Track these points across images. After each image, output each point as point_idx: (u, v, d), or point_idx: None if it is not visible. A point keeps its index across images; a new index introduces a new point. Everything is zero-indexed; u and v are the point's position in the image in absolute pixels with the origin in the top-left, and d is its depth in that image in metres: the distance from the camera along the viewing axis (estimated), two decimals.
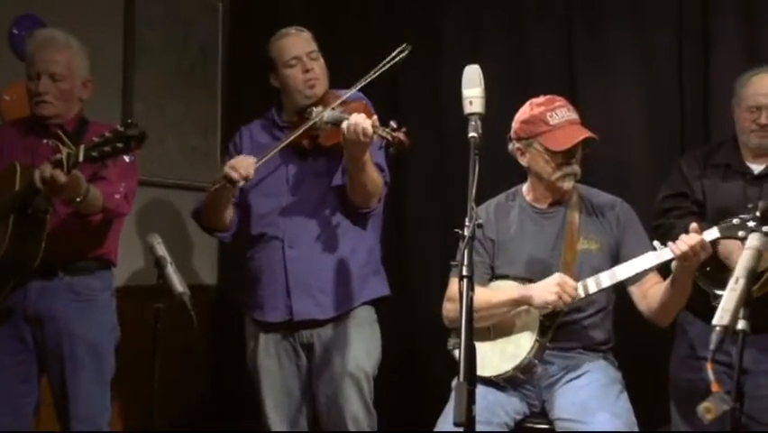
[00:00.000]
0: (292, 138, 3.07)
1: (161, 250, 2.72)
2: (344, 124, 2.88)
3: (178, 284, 2.63)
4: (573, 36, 3.96)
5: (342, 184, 3.14)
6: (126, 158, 3.00)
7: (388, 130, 2.87)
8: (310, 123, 3.06)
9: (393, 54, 3.04)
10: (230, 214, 3.20)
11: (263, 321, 3.19)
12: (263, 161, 3.04)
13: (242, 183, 2.98)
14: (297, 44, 3.19)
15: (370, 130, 2.85)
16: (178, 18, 4.57)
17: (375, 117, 2.93)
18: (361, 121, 2.85)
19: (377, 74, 3.05)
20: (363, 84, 3.07)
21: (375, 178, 3.07)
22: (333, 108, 3.07)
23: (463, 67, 2.36)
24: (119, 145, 2.59)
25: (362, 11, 4.44)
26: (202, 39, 4.71)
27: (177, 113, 4.54)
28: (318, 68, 3.18)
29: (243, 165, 2.97)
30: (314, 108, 3.13)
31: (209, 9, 4.77)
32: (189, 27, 4.64)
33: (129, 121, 2.63)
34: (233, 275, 4.34)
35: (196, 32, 4.67)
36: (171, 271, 2.66)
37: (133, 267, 4.13)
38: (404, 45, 3.04)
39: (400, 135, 2.86)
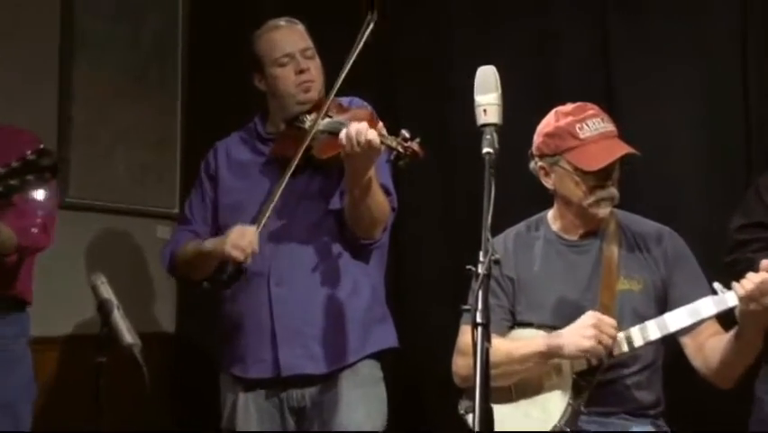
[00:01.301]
0: (293, 166, 3.07)
1: (106, 291, 2.71)
2: (343, 133, 2.89)
3: (127, 333, 2.62)
4: (609, 27, 3.98)
5: (340, 208, 3.15)
6: None
7: (398, 140, 2.87)
8: (309, 137, 3.08)
9: (362, 31, 3.11)
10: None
11: (244, 377, 3.19)
12: (263, 223, 3.04)
13: (249, 262, 2.99)
14: (290, 39, 3.23)
15: (376, 140, 2.85)
16: (128, 5, 4.61)
17: (381, 124, 2.95)
18: (363, 129, 2.86)
19: (353, 59, 3.11)
20: (344, 74, 3.12)
21: (381, 201, 3.09)
22: (330, 115, 3.11)
23: (475, 68, 2.38)
24: (29, 178, 2.58)
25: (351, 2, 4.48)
26: (158, 31, 4.75)
27: (126, 122, 4.57)
28: (314, 68, 3.22)
29: (247, 241, 2.97)
30: (307, 116, 3.17)
31: None
32: (142, 16, 4.69)
33: (41, 147, 2.60)
34: (199, 320, 4.30)
35: (150, 23, 4.72)
36: (118, 316, 2.65)
37: (73, 313, 4.16)
38: (368, 16, 3.11)
39: (414, 146, 2.87)
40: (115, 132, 4.52)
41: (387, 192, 3.16)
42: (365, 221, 3.10)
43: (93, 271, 2.78)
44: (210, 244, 3.11)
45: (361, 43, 3.12)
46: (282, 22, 3.28)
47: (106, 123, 4.47)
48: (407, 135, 2.87)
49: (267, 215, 3.04)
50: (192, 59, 4.85)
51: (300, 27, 3.28)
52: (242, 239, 2.98)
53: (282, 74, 3.20)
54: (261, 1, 4.42)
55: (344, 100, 3.23)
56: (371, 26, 3.13)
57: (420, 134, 2.87)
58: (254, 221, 3.06)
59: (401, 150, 2.86)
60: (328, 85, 3.24)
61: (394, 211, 3.23)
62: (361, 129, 2.86)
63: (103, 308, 2.66)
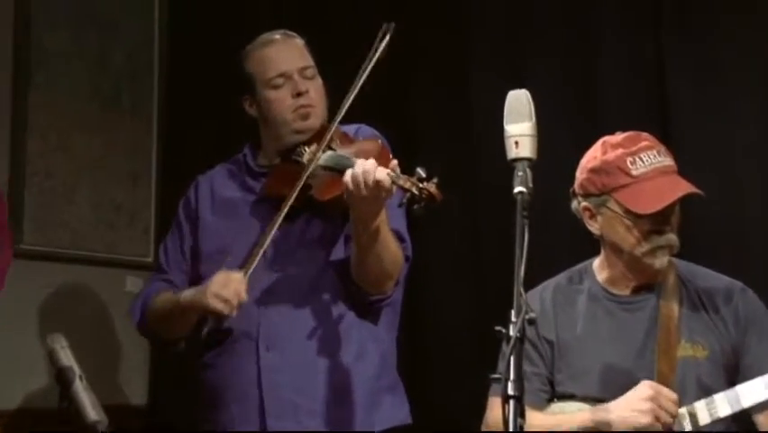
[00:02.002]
0: (287, 208, 3.07)
1: (66, 357, 2.69)
2: (348, 174, 2.88)
3: (91, 408, 2.59)
4: (664, 42, 3.97)
5: (344, 258, 3.14)
6: None
7: (413, 180, 2.85)
8: (306, 174, 3.07)
9: (377, 41, 3.11)
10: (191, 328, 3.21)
11: None
12: (251, 269, 3.03)
13: (234, 314, 2.99)
14: (286, 56, 3.24)
15: (386, 181, 2.83)
16: (94, 16, 4.65)
17: (395, 162, 2.92)
18: (371, 168, 2.85)
19: (365, 74, 3.12)
20: (353, 95, 3.12)
21: (393, 250, 3.07)
22: (333, 147, 3.10)
23: (505, 91, 2.38)
24: None
25: (355, 11, 4.53)
26: (130, 46, 4.79)
27: (92, 153, 4.59)
28: (315, 90, 3.23)
29: (232, 289, 2.97)
30: (305, 148, 3.17)
31: (141, 2, 4.86)
32: (112, 30, 4.72)
33: None
34: (175, 391, 4.33)
35: (121, 37, 4.76)
36: (80, 388, 2.63)
37: (26, 383, 4.15)
38: (384, 25, 3.12)
39: (430, 188, 2.85)
40: (79, 165, 4.54)
41: (400, 239, 3.15)
42: (374, 274, 3.09)
43: (50, 332, 2.75)
44: (189, 294, 3.10)
45: (375, 59, 3.13)
46: (277, 35, 3.29)
47: (68, 155, 4.50)
48: (423, 175, 2.84)
49: (257, 260, 3.04)
50: (170, 79, 4.89)
51: (298, 41, 3.29)
52: (227, 288, 2.97)
53: (276, 97, 3.21)
54: (253, 10, 4.46)
55: (350, 129, 3.23)
56: (387, 38, 3.14)
57: (441, 170, 2.87)
58: (242, 267, 3.04)
59: (416, 192, 2.84)
60: (333, 109, 3.24)
61: (408, 261, 3.21)
62: (368, 168, 2.85)
63: (62, 377, 2.64)
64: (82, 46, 4.58)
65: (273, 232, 3.07)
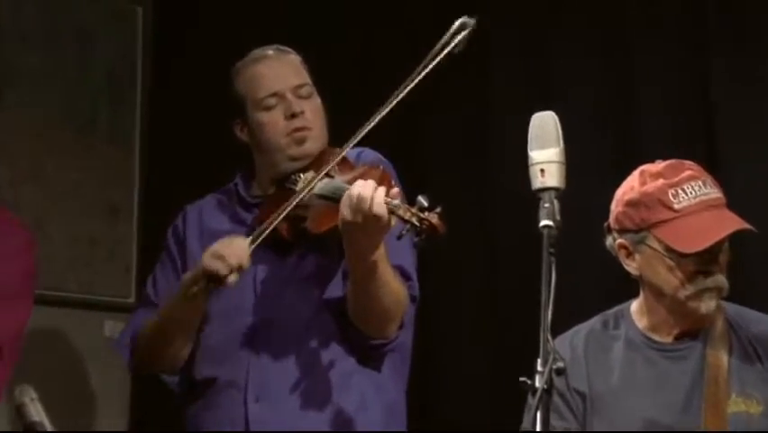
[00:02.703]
0: (263, 235, 3.06)
1: (36, 412, 2.62)
2: (344, 203, 2.88)
3: None
4: (712, 59, 3.94)
5: (342, 297, 3.13)
6: None
7: (413, 210, 2.84)
8: (297, 199, 3.06)
9: (449, 35, 3.00)
10: (192, 339, 3.20)
11: None
12: (261, 238, 3.03)
13: (233, 280, 2.97)
14: (279, 73, 3.24)
15: (383, 210, 2.82)
16: (71, 29, 4.68)
17: (396, 190, 2.90)
18: (367, 192, 2.83)
19: (416, 81, 3.03)
20: (385, 112, 3.04)
21: (394, 289, 3.06)
22: (329, 174, 3.09)
23: (528, 114, 2.40)
24: None
25: (363, 23, 4.53)
26: (109, 62, 4.81)
27: (66, 182, 4.60)
28: (311, 111, 3.21)
29: (234, 251, 2.97)
30: (301, 175, 3.16)
31: (122, 15, 4.87)
32: (90, 45, 4.74)
33: None
34: None
35: (100, 52, 4.78)
36: None
37: None
38: (463, 19, 3.00)
39: (433, 219, 2.82)
40: (52, 196, 4.55)
41: (405, 276, 3.15)
42: (373, 314, 3.08)
43: (18, 383, 2.70)
44: (188, 276, 3.10)
45: (437, 60, 3.01)
46: (270, 50, 3.29)
47: (40, 184, 4.51)
48: (425, 204, 2.82)
49: (265, 234, 3.03)
50: (154, 100, 4.89)
51: (293, 57, 3.30)
52: (228, 248, 2.98)
53: (269, 120, 3.21)
54: (251, 20, 4.49)
55: (352, 153, 3.20)
56: (464, 34, 3.01)
57: (455, 199, 2.89)
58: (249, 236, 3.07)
59: (416, 223, 2.82)
60: (337, 132, 3.24)
61: (414, 302, 3.20)
62: (364, 194, 2.83)
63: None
64: (57, 60, 4.61)
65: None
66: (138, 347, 3.26)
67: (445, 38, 3.01)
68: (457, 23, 3.01)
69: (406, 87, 3.05)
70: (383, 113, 3.05)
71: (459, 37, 3.01)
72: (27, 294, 3.28)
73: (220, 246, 3.00)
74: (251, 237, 3.04)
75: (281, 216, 3.06)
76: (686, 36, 4.01)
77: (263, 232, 3.05)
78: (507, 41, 4.24)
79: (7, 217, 3.37)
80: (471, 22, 3.01)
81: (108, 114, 4.75)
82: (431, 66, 3.02)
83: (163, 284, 3.35)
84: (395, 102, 3.04)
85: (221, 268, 2.94)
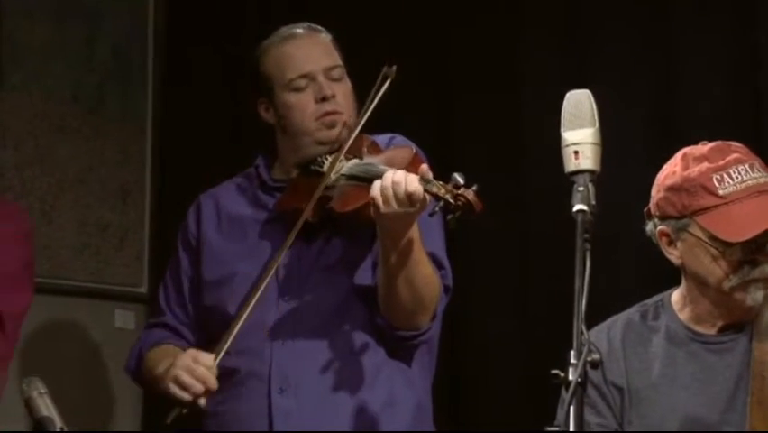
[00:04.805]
0: (300, 223, 3.07)
1: (45, 406, 2.64)
2: (375, 188, 2.90)
3: None
4: (762, 31, 3.87)
5: (372, 285, 3.14)
6: None
7: (448, 187, 2.88)
8: (326, 182, 3.10)
9: (376, 86, 3.15)
10: None
11: None
12: (227, 346, 3.05)
13: (202, 403, 3.01)
14: (310, 54, 3.25)
15: (419, 192, 2.85)
16: (77, 4, 4.67)
17: (425, 167, 2.92)
18: (401, 178, 2.87)
19: (364, 119, 3.16)
20: (358, 129, 3.17)
21: (428, 275, 3.07)
22: (357, 156, 3.13)
23: (561, 92, 2.40)
24: None
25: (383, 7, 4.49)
26: (119, 39, 4.80)
27: (75, 165, 4.61)
28: (342, 95, 3.23)
29: (199, 376, 2.99)
30: (328, 157, 3.17)
31: None
32: (98, 20, 4.74)
33: None
34: None
35: (108, 29, 4.77)
36: None
37: None
38: (384, 68, 3.16)
39: (468, 195, 2.85)
40: (60, 180, 4.55)
41: (439, 265, 3.16)
42: (406, 303, 3.07)
43: (26, 376, 2.69)
44: (162, 367, 3.13)
45: (375, 102, 3.17)
46: (300, 29, 3.30)
47: (47, 168, 4.51)
48: (461, 181, 2.86)
49: (239, 325, 3.04)
50: (166, 79, 4.89)
51: (324, 36, 3.30)
52: (191, 372, 3.01)
53: (298, 102, 3.22)
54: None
55: (382, 139, 3.24)
56: (388, 83, 3.18)
57: (484, 183, 2.86)
58: (215, 347, 3.07)
59: (450, 200, 2.85)
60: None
61: (448, 292, 3.22)
62: (398, 180, 2.87)
63: (40, 429, 2.58)
64: (62, 40, 4.60)
65: (281, 257, 3.10)
66: (142, 372, 3.29)
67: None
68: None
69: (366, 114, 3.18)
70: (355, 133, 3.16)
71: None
72: (27, 280, 3.29)
73: (183, 372, 3.01)
74: (215, 351, 3.04)
75: (310, 207, 3.08)
76: (734, 7, 3.96)
77: (231, 334, 3.05)
78: (541, 16, 4.23)
79: (4, 202, 3.35)
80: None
81: (118, 93, 4.75)
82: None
83: (172, 292, 3.39)
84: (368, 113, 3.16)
85: (185, 396, 2.99)
